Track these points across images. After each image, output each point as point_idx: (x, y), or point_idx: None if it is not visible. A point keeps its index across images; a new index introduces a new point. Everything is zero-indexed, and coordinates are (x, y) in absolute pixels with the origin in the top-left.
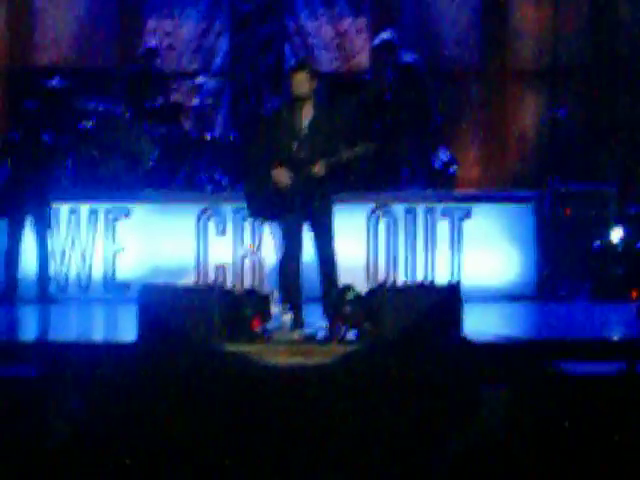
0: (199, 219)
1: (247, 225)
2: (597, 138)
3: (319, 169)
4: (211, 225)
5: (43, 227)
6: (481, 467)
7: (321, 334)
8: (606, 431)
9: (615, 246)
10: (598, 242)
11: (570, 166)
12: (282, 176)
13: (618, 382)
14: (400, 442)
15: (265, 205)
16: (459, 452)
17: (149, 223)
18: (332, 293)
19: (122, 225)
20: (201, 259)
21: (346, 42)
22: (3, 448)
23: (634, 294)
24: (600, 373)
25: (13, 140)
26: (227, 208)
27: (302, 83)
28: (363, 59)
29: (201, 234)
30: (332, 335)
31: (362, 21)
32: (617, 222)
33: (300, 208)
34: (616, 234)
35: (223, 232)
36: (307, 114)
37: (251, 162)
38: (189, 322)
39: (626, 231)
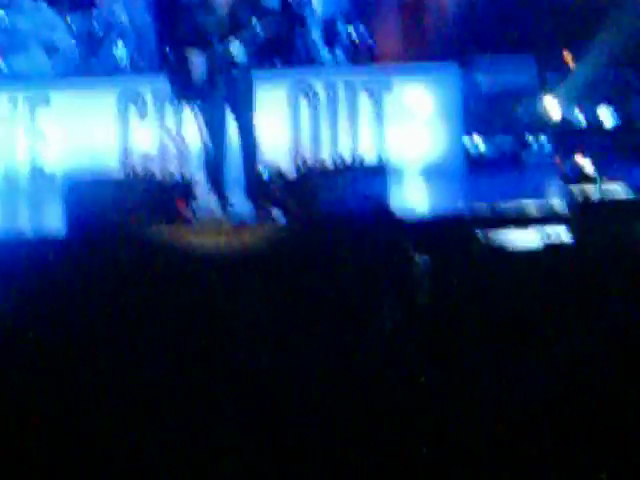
0: (119, 103)
1: (169, 108)
2: (515, 9)
3: (234, 47)
4: (132, 109)
5: None
6: (415, 337)
7: (249, 216)
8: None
9: (539, 114)
10: (522, 111)
11: (489, 38)
12: (194, 59)
13: (541, 253)
14: (333, 320)
15: (187, 86)
16: (393, 325)
17: (70, 110)
18: (258, 174)
19: (43, 113)
20: (124, 145)
21: None
22: None
23: (558, 160)
24: (526, 245)
25: None
26: (147, 91)
27: None
28: None
29: (123, 119)
30: (260, 216)
31: None
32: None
33: (221, 87)
34: (546, 101)
35: (145, 116)
36: None
37: (171, 43)
38: (116, 212)
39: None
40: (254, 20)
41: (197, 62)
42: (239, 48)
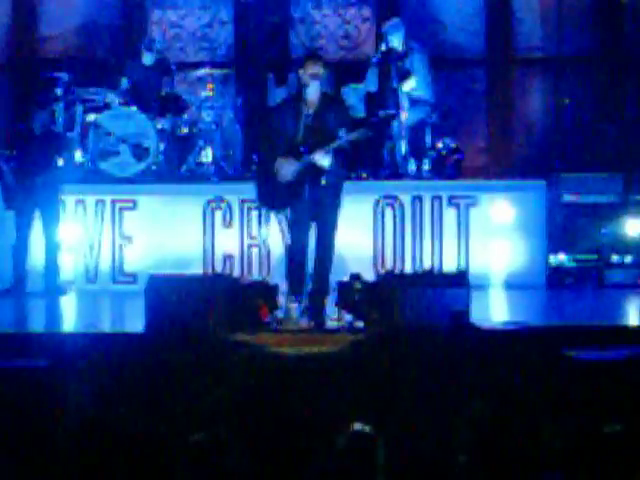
0: (205, 210)
1: (254, 215)
2: (603, 125)
3: (322, 158)
4: (218, 216)
5: (51, 219)
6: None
7: (329, 323)
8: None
9: (624, 234)
10: (606, 229)
11: (576, 154)
12: (284, 168)
13: (625, 367)
14: (408, 432)
15: (274, 195)
16: (469, 441)
17: (156, 214)
18: (341, 281)
19: (129, 216)
20: (208, 250)
21: (351, 31)
22: (15, 438)
23: None
24: (609, 359)
25: (21, 132)
26: (234, 199)
27: (312, 72)
28: (368, 48)
29: (208, 225)
30: (340, 324)
31: (367, 10)
32: (627, 210)
33: (307, 197)
34: (630, 223)
35: (230, 223)
36: (314, 103)
37: (261, 152)
38: (196, 312)
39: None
40: (343, 132)
41: (286, 172)
42: (328, 159)
